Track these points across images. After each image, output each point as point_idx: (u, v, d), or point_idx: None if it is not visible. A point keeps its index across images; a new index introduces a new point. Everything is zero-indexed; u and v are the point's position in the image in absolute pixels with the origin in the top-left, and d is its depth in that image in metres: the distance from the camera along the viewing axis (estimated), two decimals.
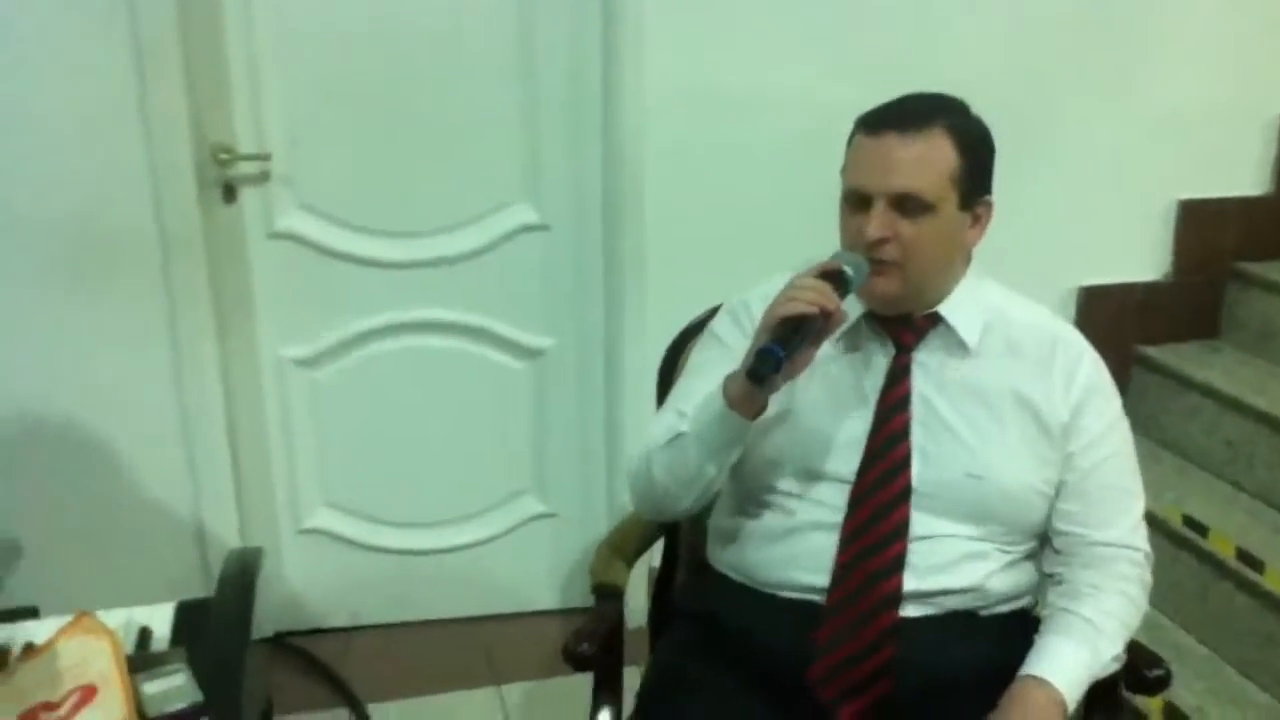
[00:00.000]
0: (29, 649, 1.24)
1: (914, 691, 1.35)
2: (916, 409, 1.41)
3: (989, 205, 1.44)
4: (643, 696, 1.50)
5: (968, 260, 1.47)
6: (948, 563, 1.38)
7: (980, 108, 2.41)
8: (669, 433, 1.40)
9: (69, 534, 2.24)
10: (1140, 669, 1.44)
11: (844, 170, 1.41)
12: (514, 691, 2.42)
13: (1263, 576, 2.10)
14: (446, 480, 2.56)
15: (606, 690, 1.54)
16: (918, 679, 1.35)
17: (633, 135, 2.30)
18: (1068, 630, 1.37)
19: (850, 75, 2.19)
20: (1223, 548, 2.20)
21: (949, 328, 1.42)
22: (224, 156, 2.23)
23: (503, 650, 2.56)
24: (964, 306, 1.43)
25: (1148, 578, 1.45)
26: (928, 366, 1.43)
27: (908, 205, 1.34)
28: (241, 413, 2.39)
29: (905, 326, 1.43)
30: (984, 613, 1.42)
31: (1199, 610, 2.24)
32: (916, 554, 1.38)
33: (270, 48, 2.22)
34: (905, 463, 1.39)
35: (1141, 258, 2.72)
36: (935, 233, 1.36)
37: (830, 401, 1.43)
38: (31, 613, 1.38)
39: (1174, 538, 2.29)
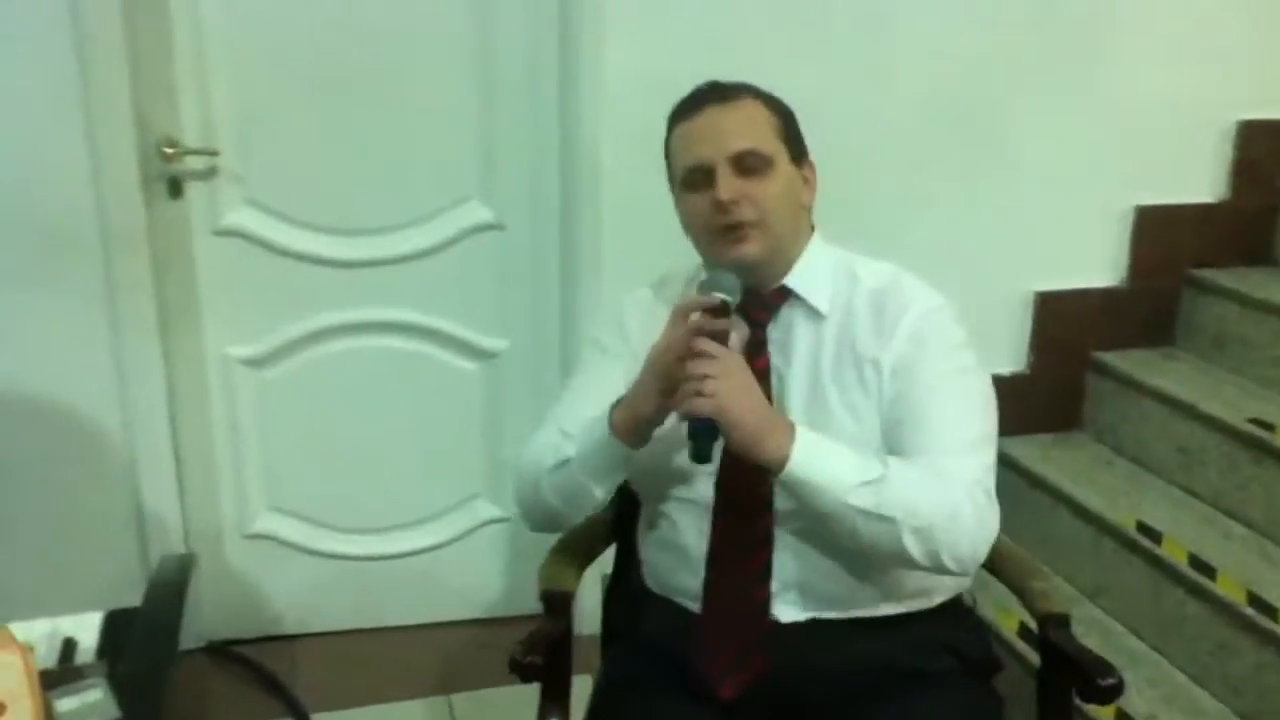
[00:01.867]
0: None
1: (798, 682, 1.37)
2: (774, 383, 1.41)
3: (813, 168, 1.48)
4: (593, 707, 1.48)
5: (811, 226, 1.48)
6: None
7: (937, 107, 2.45)
8: (556, 456, 1.40)
9: (4, 537, 2.17)
10: (1094, 678, 1.42)
11: (672, 162, 1.44)
12: (464, 700, 2.38)
13: (1215, 583, 2.10)
14: (397, 484, 2.52)
15: (553, 701, 1.52)
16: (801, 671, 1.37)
17: (590, 134, 2.27)
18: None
19: (807, 69, 2.18)
20: (1175, 554, 2.20)
21: (799, 298, 1.43)
22: (169, 151, 2.18)
23: (454, 658, 2.52)
24: (812, 274, 1.44)
25: (979, 500, 1.32)
26: (785, 341, 1.43)
27: (748, 163, 1.37)
28: (186, 413, 2.34)
29: (757, 304, 1.42)
30: (886, 609, 1.42)
31: (1151, 616, 2.24)
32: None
33: (218, 40, 2.17)
34: None
35: (1099, 263, 2.73)
36: (779, 188, 1.39)
37: None
38: None
39: (1127, 543, 2.30)
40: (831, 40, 2.34)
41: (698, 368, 1.24)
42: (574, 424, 1.42)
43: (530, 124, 2.33)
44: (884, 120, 2.42)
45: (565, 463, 1.39)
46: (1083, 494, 2.45)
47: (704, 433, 1.24)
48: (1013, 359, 2.72)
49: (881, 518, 1.25)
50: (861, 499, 1.25)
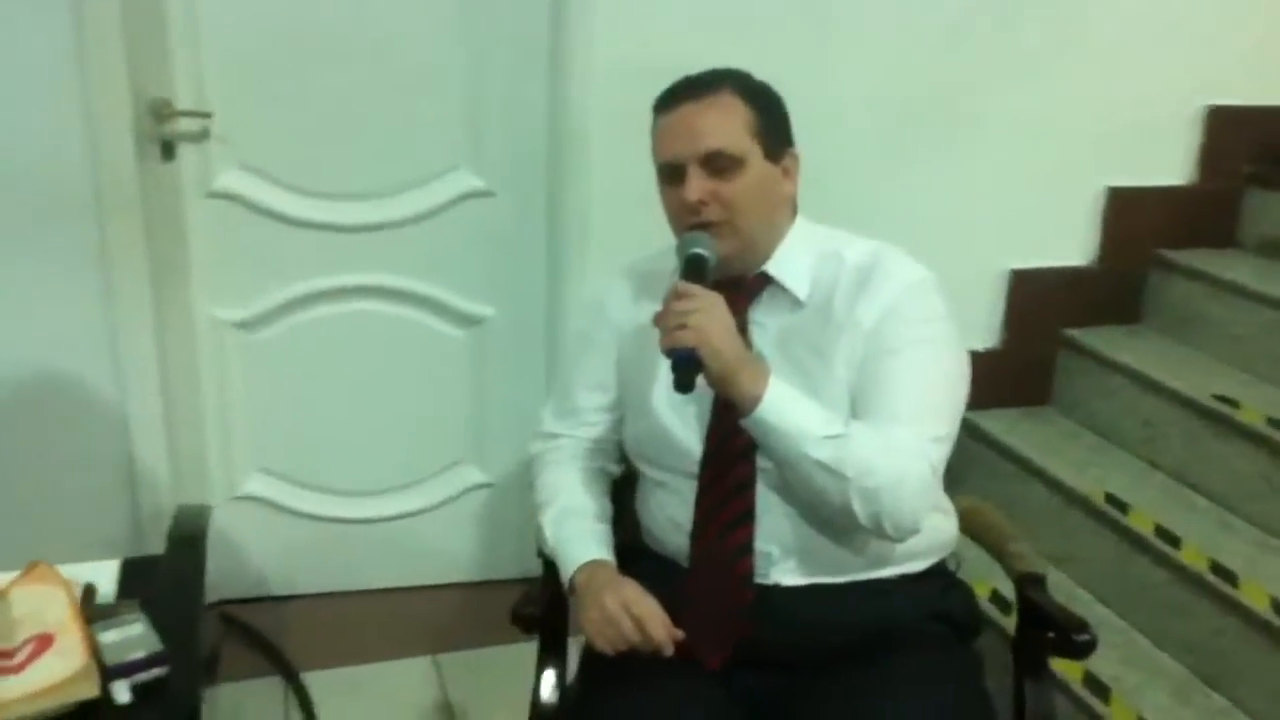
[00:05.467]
0: None
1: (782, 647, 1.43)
2: None
3: (795, 157, 1.50)
4: (584, 663, 1.52)
5: (793, 214, 1.53)
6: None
7: (910, 86, 2.50)
8: (551, 522, 1.54)
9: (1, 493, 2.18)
10: (1069, 633, 1.49)
11: (653, 156, 1.48)
12: (450, 661, 2.42)
13: (1179, 551, 2.18)
14: (384, 448, 2.55)
15: (551, 653, 1.56)
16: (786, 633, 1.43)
17: (579, 103, 2.29)
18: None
19: (789, 47, 2.23)
20: (1142, 524, 2.28)
21: (779, 285, 1.48)
22: (163, 112, 2.18)
23: (439, 620, 2.56)
24: (792, 261, 1.49)
25: (923, 471, 1.36)
26: (764, 325, 1.48)
27: (718, 163, 1.41)
28: (176, 376, 2.34)
29: (737, 290, 1.47)
30: (881, 574, 1.47)
31: (1117, 584, 2.32)
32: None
33: (211, 2, 2.16)
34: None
35: (1070, 243, 2.79)
36: (750, 186, 1.42)
37: None
38: None
39: (1095, 514, 2.37)
40: (812, 20, 2.37)
41: (680, 305, 1.30)
42: (561, 418, 1.64)
43: (520, 91, 2.35)
44: (861, 99, 2.45)
45: (539, 505, 1.57)
46: (1052, 465, 2.52)
47: (685, 363, 1.29)
48: (987, 335, 2.79)
49: (835, 473, 1.31)
50: (821, 451, 1.31)
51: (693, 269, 1.38)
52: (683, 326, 1.29)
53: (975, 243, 2.68)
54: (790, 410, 1.32)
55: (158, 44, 2.15)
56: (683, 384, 1.29)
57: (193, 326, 2.35)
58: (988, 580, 2.17)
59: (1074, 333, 2.81)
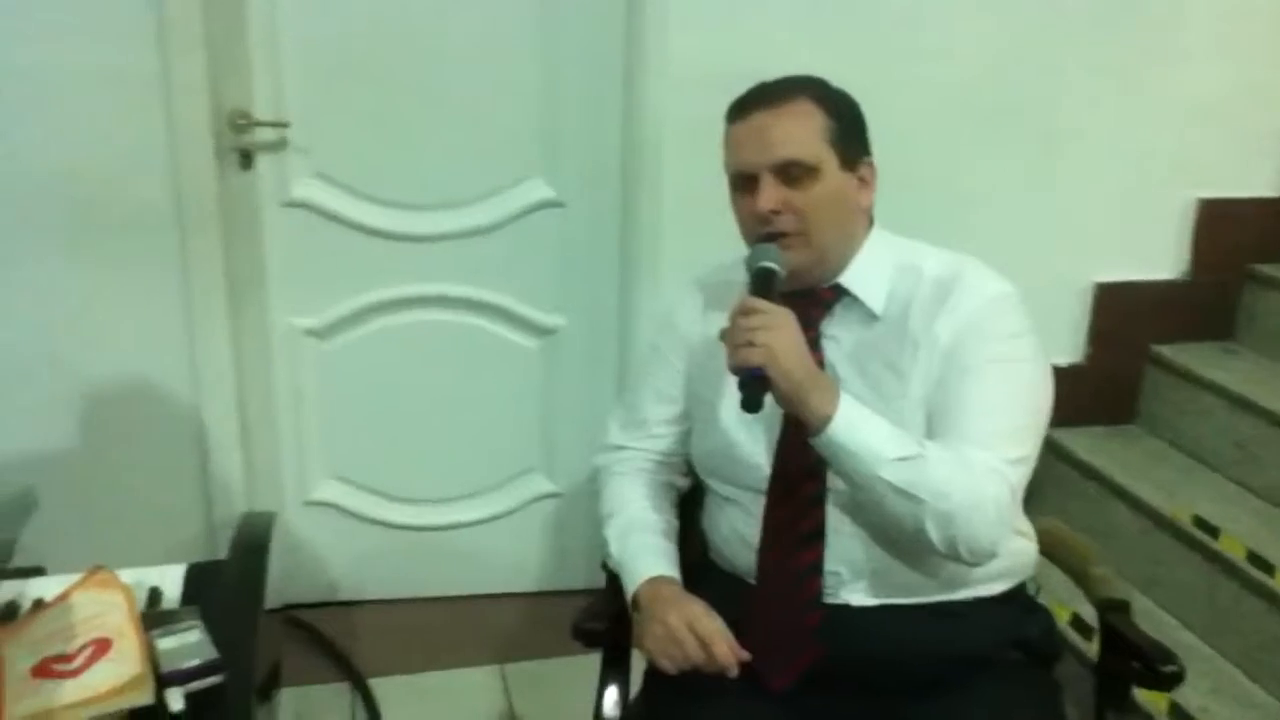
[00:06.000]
0: (38, 605, 1.23)
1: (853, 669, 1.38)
2: None
3: (872, 167, 1.46)
4: (648, 681, 1.50)
5: (869, 224, 1.48)
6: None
7: (995, 95, 2.45)
8: (616, 536, 1.52)
9: (76, 495, 2.22)
10: (1154, 663, 1.43)
11: (725, 165, 1.45)
12: (516, 671, 2.41)
13: (1273, 579, 2.09)
14: (454, 456, 2.56)
15: (614, 668, 1.54)
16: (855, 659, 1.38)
17: (653, 115, 2.28)
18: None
19: (868, 57, 2.19)
20: (1233, 549, 2.19)
21: (854, 298, 1.43)
22: (241, 122, 2.21)
23: (506, 629, 2.56)
24: (868, 273, 1.44)
25: (1001, 494, 1.30)
26: (838, 339, 1.43)
27: (791, 173, 1.37)
28: (251, 382, 2.38)
29: (811, 301, 1.43)
30: (955, 596, 1.42)
31: (1206, 611, 2.23)
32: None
33: (291, 15, 2.20)
34: None
35: (1160, 255, 2.71)
36: (825, 196, 1.39)
37: None
38: (38, 571, 1.37)
39: (1183, 538, 2.29)
40: (892, 27, 2.34)
41: (748, 321, 1.27)
42: (628, 430, 1.62)
43: (594, 102, 2.35)
44: (945, 108, 2.41)
45: (604, 518, 1.55)
46: (1138, 487, 2.44)
47: (753, 382, 1.25)
48: (1070, 349, 2.71)
49: (909, 496, 1.27)
50: (894, 474, 1.27)
51: (760, 283, 1.34)
52: (750, 344, 1.25)
53: (1060, 255, 2.62)
54: (862, 431, 1.28)
55: (238, 56, 2.19)
56: (751, 403, 1.26)
57: (268, 334, 2.39)
58: (1069, 604, 2.10)
59: (1163, 349, 2.72)
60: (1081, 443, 2.64)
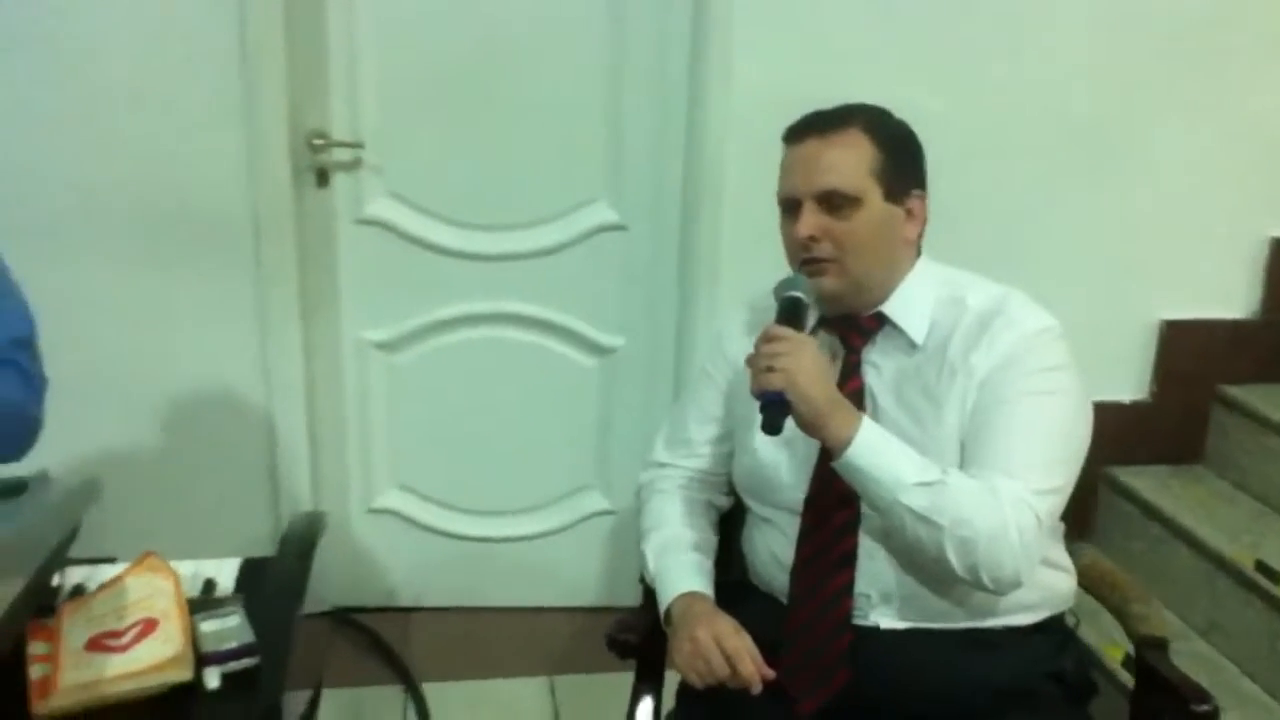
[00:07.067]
0: (100, 588, 1.32)
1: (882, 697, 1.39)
2: (868, 407, 1.43)
3: (922, 200, 1.47)
4: (681, 696, 1.53)
5: (915, 254, 1.49)
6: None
7: (1064, 123, 2.43)
8: (653, 551, 1.56)
9: (152, 493, 2.33)
10: (1188, 703, 1.41)
11: (778, 188, 1.47)
12: (565, 683, 2.45)
13: None
14: (514, 470, 2.62)
15: (647, 681, 1.57)
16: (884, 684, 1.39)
17: (716, 141, 2.33)
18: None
19: (932, 85, 2.22)
20: None
21: (895, 327, 1.45)
22: (318, 142, 2.31)
23: (558, 642, 2.60)
24: (910, 303, 1.45)
25: (1027, 524, 1.30)
26: (880, 367, 1.45)
27: (833, 202, 1.40)
28: (321, 391, 2.48)
29: (852, 328, 1.46)
30: (986, 624, 1.42)
31: (1266, 658, 2.18)
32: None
33: (369, 40, 2.30)
34: None
35: (1229, 294, 2.66)
36: (865, 226, 1.40)
37: None
38: (110, 561, 1.46)
39: (1244, 582, 2.24)
40: (956, 57, 2.35)
41: (770, 348, 1.31)
42: (672, 448, 1.65)
43: (658, 126, 2.40)
44: (1009, 138, 2.41)
45: (648, 568, 1.56)
46: (1200, 529, 2.39)
47: (773, 405, 1.29)
48: (1135, 387, 2.67)
49: (929, 522, 1.29)
50: (914, 498, 1.29)
51: (786, 311, 1.38)
52: (770, 369, 1.29)
53: (1126, 290, 2.59)
54: (883, 455, 1.31)
55: (318, 80, 2.30)
56: (771, 426, 1.30)
57: (339, 345, 2.48)
58: (1122, 643, 2.07)
59: (1232, 390, 2.66)
60: (1145, 482, 2.59)
